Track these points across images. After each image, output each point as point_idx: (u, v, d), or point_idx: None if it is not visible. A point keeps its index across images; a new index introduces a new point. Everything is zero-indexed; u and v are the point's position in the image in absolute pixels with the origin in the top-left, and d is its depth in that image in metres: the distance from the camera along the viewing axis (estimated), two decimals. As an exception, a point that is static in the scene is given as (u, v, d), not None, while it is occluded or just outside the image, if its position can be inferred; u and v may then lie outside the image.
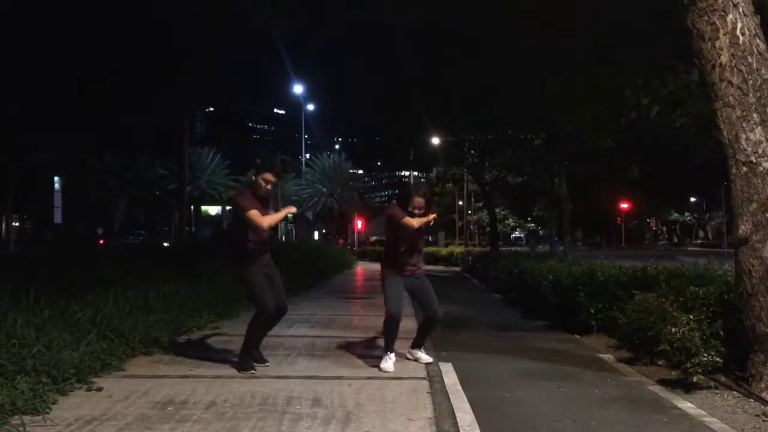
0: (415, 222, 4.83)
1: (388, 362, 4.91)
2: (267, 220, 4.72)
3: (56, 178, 31.73)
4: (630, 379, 4.84)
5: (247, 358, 4.76)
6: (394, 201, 5.27)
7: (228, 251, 4.92)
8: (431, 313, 5.13)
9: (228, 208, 60.11)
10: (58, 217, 31.68)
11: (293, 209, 5.17)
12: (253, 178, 4.89)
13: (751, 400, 4.21)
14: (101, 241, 31.67)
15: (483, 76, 13.01)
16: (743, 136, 4.41)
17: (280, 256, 6.08)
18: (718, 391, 4.45)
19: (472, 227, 53.42)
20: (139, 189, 48.67)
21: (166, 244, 30.02)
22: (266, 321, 4.80)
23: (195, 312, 7.20)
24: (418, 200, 4.89)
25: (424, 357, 5.26)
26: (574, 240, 31.91)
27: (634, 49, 9.98)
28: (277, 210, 5.04)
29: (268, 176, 4.81)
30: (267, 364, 4.98)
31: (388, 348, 4.98)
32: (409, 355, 5.32)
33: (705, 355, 4.40)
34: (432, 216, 4.94)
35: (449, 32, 12.24)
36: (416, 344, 5.33)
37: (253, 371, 4.66)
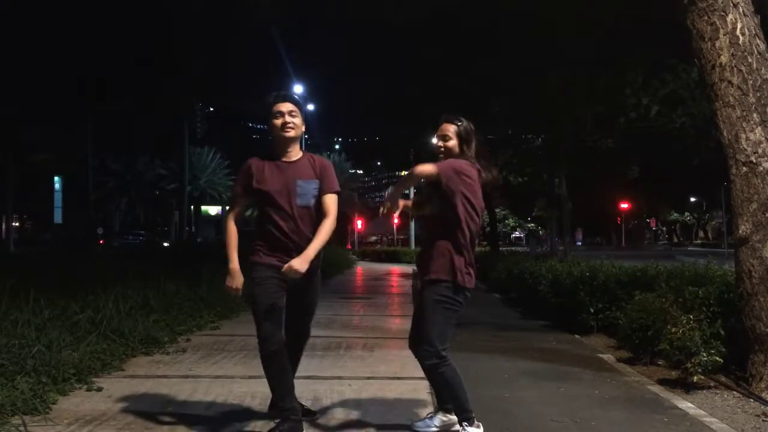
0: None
1: None
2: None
3: (56, 178, 31.77)
4: (630, 379, 4.84)
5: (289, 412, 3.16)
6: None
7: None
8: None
9: (228, 208, 60.05)
10: (58, 217, 31.75)
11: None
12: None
13: (751, 400, 4.21)
14: (101, 242, 31.72)
15: (483, 76, 13.01)
16: (743, 136, 4.41)
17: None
18: (718, 391, 4.45)
19: (472, 227, 53.28)
20: (139, 189, 48.70)
21: (166, 244, 30.05)
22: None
23: (195, 312, 7.22)
24: (443, 126, 3.34)
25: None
26: (574, 240, 31.93)
27: (634, 49, 9.99)
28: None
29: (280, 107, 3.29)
30: (316, 416, 3.60)
31: (466, 410, 3.20)
32: (443, 418, 3.44)
33: (705, 355, 4.39)
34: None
35: (449, 32, 12.25)
36: (448, 405, 3.39)
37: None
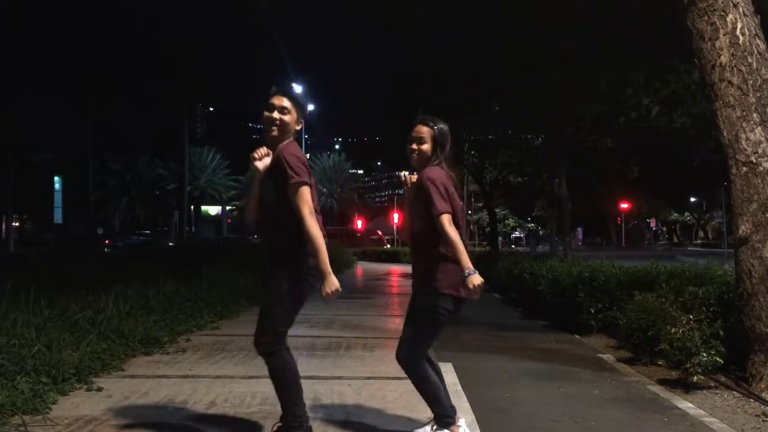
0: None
1: None
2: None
3: (56, 178, 31.80)
4: (630, 379, 4.84)
5: None
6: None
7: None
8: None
9: (228, 208, 60.14)
10: (58, 217, 31.77)
11: None
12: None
13: (751, 400, 4.21)
14: (107, 242, 31.67)
15: (483, 76, 13.00)
16: (743, 136, 4.41)
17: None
18: (718, 391, 4.45)
19: (472, 227, 53.41)
20: (139, 189, 48.75)
21: (171, 244, 30.09)
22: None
23: (195, 312, 7.21)
24: (418, 128, 3.26)
25: None
26: (574, 239, 31.91)
27: (634, 49, 9.98)
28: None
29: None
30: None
31: (438, 412, 3.25)
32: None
33: (705, 355, 4.40)
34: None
35: (449, 31, 12.24)
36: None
37: None
